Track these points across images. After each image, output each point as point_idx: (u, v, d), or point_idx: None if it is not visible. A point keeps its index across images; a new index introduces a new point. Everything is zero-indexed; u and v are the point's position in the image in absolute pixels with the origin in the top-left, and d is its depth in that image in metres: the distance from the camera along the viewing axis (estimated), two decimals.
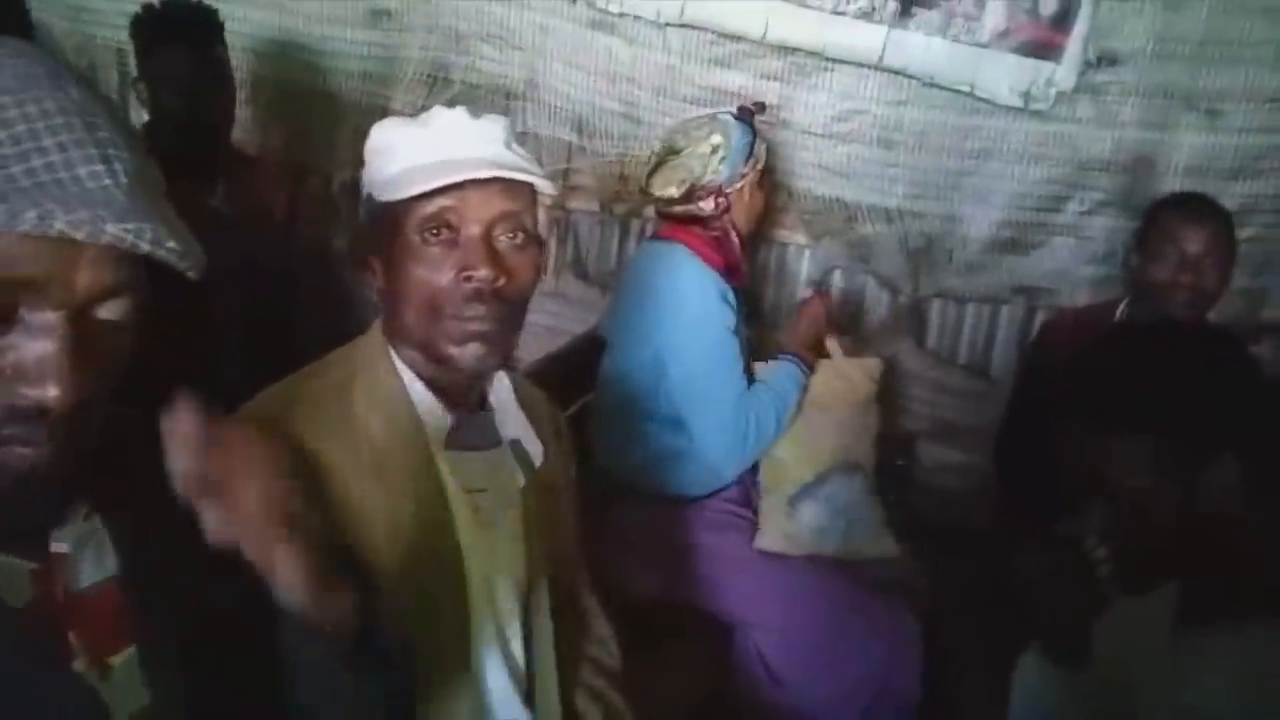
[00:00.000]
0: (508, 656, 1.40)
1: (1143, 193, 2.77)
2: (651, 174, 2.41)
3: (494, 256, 1.30)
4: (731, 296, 2.34)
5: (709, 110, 2.53)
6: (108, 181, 0.73)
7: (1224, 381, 1.24)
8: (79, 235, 0.71)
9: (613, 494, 2.42)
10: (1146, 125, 2.82)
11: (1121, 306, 2.48)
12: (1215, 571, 1.24)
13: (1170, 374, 1.22)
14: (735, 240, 2.43)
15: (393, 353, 1.37)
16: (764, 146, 2.47)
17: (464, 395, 1.39)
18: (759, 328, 2.71)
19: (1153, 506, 1.20)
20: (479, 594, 1.35)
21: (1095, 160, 2.86)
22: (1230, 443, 1.20)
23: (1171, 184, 2.76)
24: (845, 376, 2.44)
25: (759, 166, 2.44)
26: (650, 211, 2.83)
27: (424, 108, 1.40)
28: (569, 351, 2.72)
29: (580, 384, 2.54)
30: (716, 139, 2.36)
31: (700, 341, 2.29)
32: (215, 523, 0.78)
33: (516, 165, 1.33)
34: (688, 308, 2.30)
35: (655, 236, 2.50)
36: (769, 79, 2.91)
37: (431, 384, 1.36)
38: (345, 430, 1.29)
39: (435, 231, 1.30)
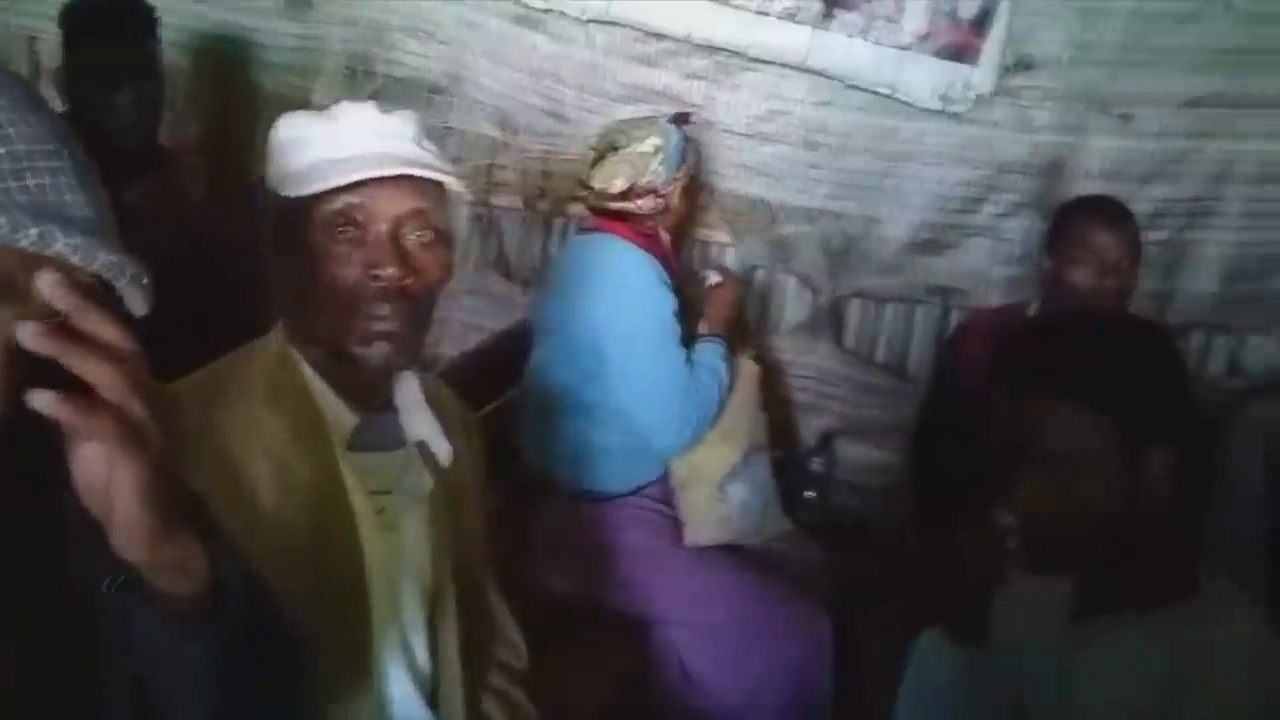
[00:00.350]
0: (411, 660, 1.39)
1: (1056, 195, 2.80)
2: (593, 168, 2.41)
3: (402, 254, 1.29)
4: (670, 281, 2.34)
5: (645, 112, 2.55)
6: (90, 212, 0.74)
7: (1155, 369, 1.25)
8: (74, 259, 0.71)
9: (537, 491, 2.41)
10: (1062, 129, 2.85)
11: (1032, 307, 2.52)
12: (1117, 564, 1.25)
13: (1104, 356, 1.23)
14: (666, 240, 2.45)
15: (295, 353, 1.35)
16: (694, 154, 2.50)
17: (370, 396, 1.38)
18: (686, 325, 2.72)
19: (1087, 480, 1.20)
20: (382, 597, 1.33)
21: (1012, 163, 2.89)
22: (1163, 433, 1.21)
23: (1085, 187, 2.78)
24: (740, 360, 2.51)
25: (690, 172, 2.47)
26: (575, 209, 2.82)
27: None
28: (494, 345, 2.70)
29: (505, 378, 2.53)
30: (656, 140, 2.38)
31: (643, 325, 2.28)
32: (50, 400, 0.66)
33: (425, 162, 1.32)
34: (627, 290, 2.29)
35: (586, 229, 2.49)
36: (693, 78, 2.91)
37: (336, 384, 1.34)
38: (246, 430, 1.27)
39: (342, 229, 1.29)
